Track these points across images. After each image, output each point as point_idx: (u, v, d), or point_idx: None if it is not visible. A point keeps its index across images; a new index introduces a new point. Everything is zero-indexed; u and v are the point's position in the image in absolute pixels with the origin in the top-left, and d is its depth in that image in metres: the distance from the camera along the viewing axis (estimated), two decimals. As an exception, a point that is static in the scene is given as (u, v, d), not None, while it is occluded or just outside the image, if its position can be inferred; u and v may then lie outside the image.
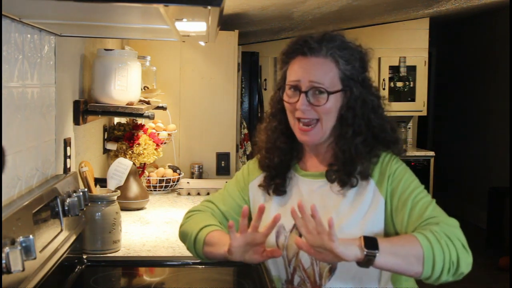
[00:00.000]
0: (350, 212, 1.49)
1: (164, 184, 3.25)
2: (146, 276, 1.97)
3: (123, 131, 2.97)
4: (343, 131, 1.51)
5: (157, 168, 3.35)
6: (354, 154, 1.49)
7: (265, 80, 6.32)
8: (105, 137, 2.92)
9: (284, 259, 1.57)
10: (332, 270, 1.49)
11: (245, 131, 4.77)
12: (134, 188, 2.76)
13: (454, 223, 1.40)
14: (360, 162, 1.49)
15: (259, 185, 1.64)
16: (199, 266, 1.97)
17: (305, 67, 1.51)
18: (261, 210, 1.41)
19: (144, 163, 3.10)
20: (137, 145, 2.92)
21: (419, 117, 6.79)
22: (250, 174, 1.69)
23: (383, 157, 1.52)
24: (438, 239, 1.34)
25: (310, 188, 1.57)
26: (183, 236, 1.65)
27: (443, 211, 1.45)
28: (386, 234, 1.48)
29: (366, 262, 1.30)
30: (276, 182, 1.60)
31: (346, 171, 1.50)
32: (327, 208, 1.51)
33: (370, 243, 1.31)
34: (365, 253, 1.29)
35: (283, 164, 1.61)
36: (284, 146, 1.60)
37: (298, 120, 1.52)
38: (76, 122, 2.15)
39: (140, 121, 3.18)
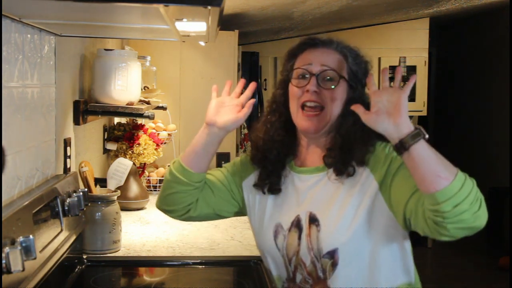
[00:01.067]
0: (349, 201, 1.49)
1: (164, 184, 3.24)
2: (146, 276, 1.97)
3: (123, 131, 2.97)
4: (344, 120, 1.52)
5: (157, 168, 3.35)
6: (352, 138, 1.50)
7: (265, 80, 6.31)
8: (105, 137, 2.92)
9: (284, 258, 1.56)
10: (334, 265, 1.49)
11: (245, 131, 4.76)
12: (134, 188, 2.76)
13: None
14: (357, 147, 1.49)
15: (254, 185, 1.64)
16: (199, 266, 1.97)
17: (316, 54, 1.55)
18: (229, 84, 1.67)
19: (144, 163, 3.10)
20: (137, 145, 2.92)
21: (419, 117, 6.78)
22: (243, 168, 1.68)
23: (378, 145, 1.52)
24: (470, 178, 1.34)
25: (306, 184, 1.56)
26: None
27: None
28: (391, 218, 1.47)
29: (409, 138, 1.30)
30: (271, 180, 1.60)
31: (342, 158, 1.50)
32: (326, 200, 1.51)
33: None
34: (417, 127, 1.30)
35: (278, 159, 1.61)
36: (281, 139, 1.60)
37: (302, 108, 1.53)
38: (76, 122, 2.15)
39: (140, 121, 3.18)
